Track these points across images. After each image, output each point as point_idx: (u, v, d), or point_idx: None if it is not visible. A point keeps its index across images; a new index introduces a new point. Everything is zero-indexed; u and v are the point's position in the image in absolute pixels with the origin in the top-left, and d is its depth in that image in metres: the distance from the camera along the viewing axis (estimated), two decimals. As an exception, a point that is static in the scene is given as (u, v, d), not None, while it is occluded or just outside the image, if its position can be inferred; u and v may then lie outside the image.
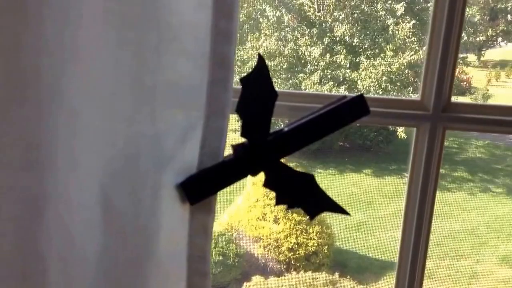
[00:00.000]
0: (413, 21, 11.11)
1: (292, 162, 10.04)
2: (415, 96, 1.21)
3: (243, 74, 0.74)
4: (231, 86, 0.76)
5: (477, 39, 14.15)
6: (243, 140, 0.76)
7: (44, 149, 0.60)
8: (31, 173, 0.60)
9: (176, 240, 0.76)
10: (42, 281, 0.65)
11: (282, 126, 0.78)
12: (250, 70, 0.74)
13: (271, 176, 0.78)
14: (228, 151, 0.78)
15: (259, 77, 0.74)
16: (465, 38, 13.00)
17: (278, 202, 0.79)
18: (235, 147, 0.76)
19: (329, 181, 10.36)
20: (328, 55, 11.14)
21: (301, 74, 11.20)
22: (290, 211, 7.52)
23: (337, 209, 0.80)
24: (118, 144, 0.67)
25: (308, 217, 0.80)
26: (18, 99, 0.57)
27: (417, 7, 11.57)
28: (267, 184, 0.78)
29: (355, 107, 0.77)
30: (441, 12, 1.15)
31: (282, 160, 0.78)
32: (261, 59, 0.74)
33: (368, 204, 9.83)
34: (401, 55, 10.84)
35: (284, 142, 0.77)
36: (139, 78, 0.66)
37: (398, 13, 11.20)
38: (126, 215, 0.69)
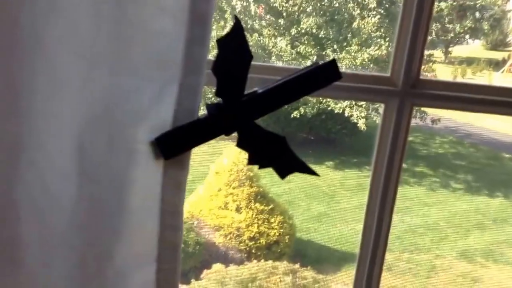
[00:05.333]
0: (378, 16, 11.13)
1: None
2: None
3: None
4: (208, 44, 0.77)
5: (445, 35, 14.23)
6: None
7: (22, 97, 0.60)
8: (7, 120, 0.60)
9: (149, 194, 0.76)
10: (16, 227, 0.66)
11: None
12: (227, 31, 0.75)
13: (244, 136, 0.79)
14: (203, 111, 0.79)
15: (235, 39, 0.75)
16: (433, 34, 13.08)
17: (250, 162, 0.81)
18: (210, 107, 0.77)
19: (292, 172, 10.35)
20: (289, 47, 11.13)
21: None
22: (253, 200, 7.54)
23: (307, 169, 0.82)
24: (95, 94, 0.67)
25: (279, 177, 0.82)
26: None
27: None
28: (240, 144, 0.79)
29: (328, 71, 0.78)
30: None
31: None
32: (237, 21, 0.75)
33: (330, 196, 9.87)
34: (365, 49, 10.88)
35: (258, 103, 0.78)
36: (118, 31, 0.67)
37: (370, 6, 11.21)
38: (101, 166, 0.70)
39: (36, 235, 0.67)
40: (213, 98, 0.78)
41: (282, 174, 0.81)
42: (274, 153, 0.81)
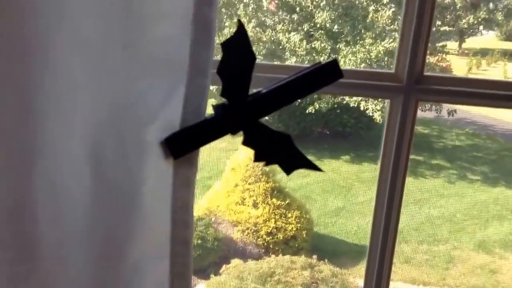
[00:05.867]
0: (393, 9, 11.10)
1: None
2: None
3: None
4: (212, 48, 0.80)
5: (458, 26, 14.15)
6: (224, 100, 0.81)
7: (36, 100, 0.63)
8: (21, 123, 0.64)
9: (160, 192, 0.79)
10: (33, 228, 0.68)
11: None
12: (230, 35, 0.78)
13: (250, 135, 0.82)
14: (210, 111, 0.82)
15: (239, 42, 0.78)
16: (446, 26, 13.02)
17: (256, 159, 0.83)
18: (216, 107, 0.80)
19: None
20: (305, 42, 11.12)
21: (278, 62, 11.17)
22: (269, 195, 7.55)
23: (311, 166, 0.84)
24: (106, 98, 0.70)
25: (285, 173, 0.84)
26: (7, 56, 0.60)
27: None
28: (246, 143, 0.82)
29: (329, 71, 0.81)
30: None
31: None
32: (240, 24, 0.78)
33: (347, 190, 9.86)
34: (379, 42, 10.84)
35: (262, 103, 0.81)
36: (126, 37, 0.70)
37: (384, 1, 11.18)
38: (114, 166, 0.73)
39: (53, 234, 0.70)
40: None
41: (288, 170, 0.84)
42: (279, 150, 0.83)
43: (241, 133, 0.82)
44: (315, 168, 0.85)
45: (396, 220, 1.37)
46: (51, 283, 0.73)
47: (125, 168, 0.74)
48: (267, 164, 0.83)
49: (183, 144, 0.79)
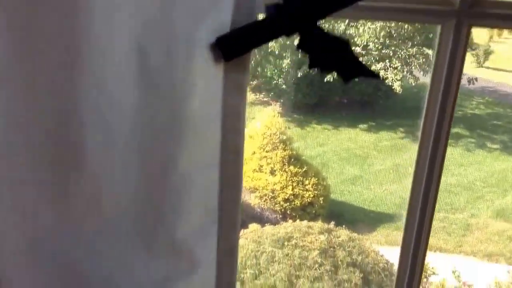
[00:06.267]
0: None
1: (287, 117, 10.07)
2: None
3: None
4: None
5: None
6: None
7: (81, 2, 0.60)
8: (67, 23, 0.61)
9: (210, 98, 0.75)
10: (80, 133, 0.66)
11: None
12: None
13: (305, 38, 0.76)
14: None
15: None
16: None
17: (311, 65, 0.78)
18: (269, 8, 0.75)
19: (325, 135, 10.39)
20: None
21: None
22: (286, 163, 7.57)
23: (370, 74, 0.79)
24: None
25: (342, 81, 0.79)
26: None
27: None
28: (300, 46, 0.77)
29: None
30: None
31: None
32: None
33: (363, 159, 9.86)
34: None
35: (319, 3, 0.75)
36: None
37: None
38: (161, 70, 0.69)
39: (99, 140, 0.68)
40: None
41: (346, 78, 0.78)
42: (336, 56, 0.78)
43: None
44: (374, 76, 0.79)
45: (438, 175, 1.32)
46: (100, 188, 0.71)
47: (173, 71, 0.70)
48: (322, 71, 0.78)
49: (235, 46, 0.74)
